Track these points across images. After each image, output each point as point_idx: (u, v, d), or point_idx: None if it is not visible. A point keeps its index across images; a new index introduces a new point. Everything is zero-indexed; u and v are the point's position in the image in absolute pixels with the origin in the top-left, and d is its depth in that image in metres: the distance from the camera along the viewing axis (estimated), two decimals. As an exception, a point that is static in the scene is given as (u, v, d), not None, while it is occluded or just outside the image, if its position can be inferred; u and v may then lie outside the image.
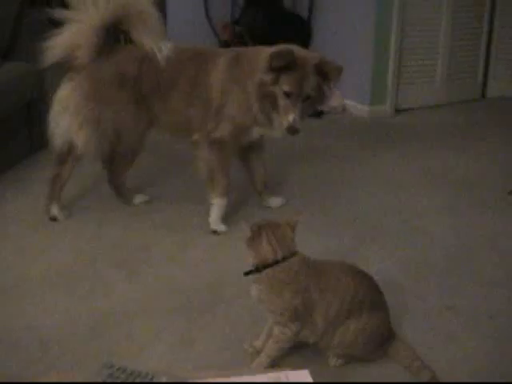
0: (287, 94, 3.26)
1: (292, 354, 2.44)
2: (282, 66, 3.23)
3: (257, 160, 3.77)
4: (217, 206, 3.56)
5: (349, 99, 5.81)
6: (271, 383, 1.43)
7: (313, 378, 1.56)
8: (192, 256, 3.27)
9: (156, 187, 4.08)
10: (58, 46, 3.37)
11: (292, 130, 3.30)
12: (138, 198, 3.87)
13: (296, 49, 3.34)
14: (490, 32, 6.16)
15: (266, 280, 2.32)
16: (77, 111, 3.44)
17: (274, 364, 2.35)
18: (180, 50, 3.54)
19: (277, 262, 2.30)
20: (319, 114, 5.48)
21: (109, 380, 1.37)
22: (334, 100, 5.59)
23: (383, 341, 2.45)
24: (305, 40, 5.94)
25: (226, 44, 6.08)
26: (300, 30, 5.98)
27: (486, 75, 6.31)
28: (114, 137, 3.52)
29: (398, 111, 5.89)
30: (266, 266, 2.31)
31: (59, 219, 3.63)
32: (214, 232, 3.52)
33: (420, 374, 2.34)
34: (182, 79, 3.50)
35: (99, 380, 1.38)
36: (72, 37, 3.39)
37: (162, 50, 3.45)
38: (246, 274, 2.35)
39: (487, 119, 5.70)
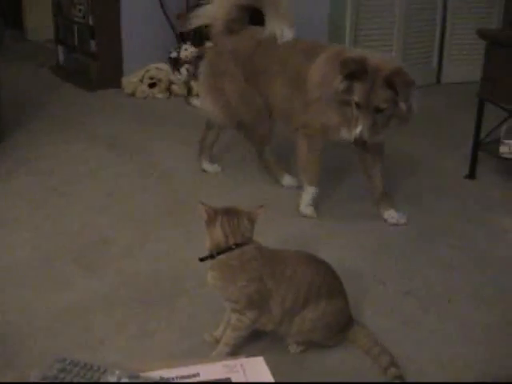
0: (357, 105, 3.19)
1: (252, 342, 2.44)
2: (353, 75, 3.16)
3: (373, 167, 3.61)
4: (306, 192, 3.63)
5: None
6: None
7: (272, 365, 1.56)
8: (152, 249, 3.24)
9: (116, 180, 4.05)
10: (200, 15, 3.85)
11: (358, 143, 3.23)
12: (287, 180, 4.01)
13: (373, 57, 3.24)
14: (444, 18, 6.21)
15: (219, 266, 2.32)
16: (203, 80, 3.97)
17: (234, 353, 2.34)
18: (297, 41, 3.69)
19: (229, 249, 2.30)
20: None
21: (61, 374, 1.36)
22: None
23: (343, 327, 2.46)
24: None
25: (181, 35, 6.04)
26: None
27: (440, 60, 6.36)
28: (232, 106, 3.83)
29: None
30: (219, 252, 2.31)
31: (209, 171, 4.18)
32: (304, 216, 3.60)
33: (379, 358, 2.36)
34: (289, 67, 3.61)
35: (50, 374, 1.37)
36: (212, 10, 3.80)
37: (284, 36, 3.67)
38: (202, 259, 2.35)
39: (442, 104, 5.74)
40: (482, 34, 4.06)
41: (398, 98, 3.15)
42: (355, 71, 3.15)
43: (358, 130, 3.18)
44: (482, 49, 4.08)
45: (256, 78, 3.74)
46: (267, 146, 3.97)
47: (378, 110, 3.17)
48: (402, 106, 3.17)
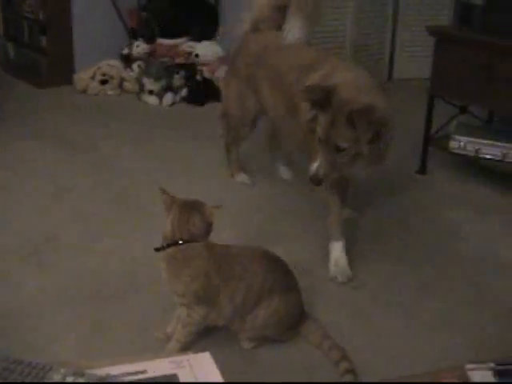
0: (318, 138, 2.80)
1: (204, 337, 2.44)
2: (318, 104, 2.77)
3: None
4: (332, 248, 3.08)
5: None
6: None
7: (222, 360, 1.55)
8: (102, 246, 3.22)
9: (66, 178, 4.01)
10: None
11: (314, 181, 2.80)
12: (241, 177, 4.01)
13: (348, 88, 2.77)
14: (396, 14, 6.26)
15: (167, 259, 2.32)
16: (226, 70, 4.15)
17: (186, 349, 2.34)
18: (300, 51, 3.42)
19: (176, 243, 2.29)
20: (202, 103, 5.47)
21: (5, 373, 1.34)
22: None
23: (295, 322, 2.47)
24: (212, 26, 5.92)
25: (133, 31, 6.01)
26: (207, 16, 5.95)
27: (392, 57, 6.41)
28: (228, 99, 3.88)
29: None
30: (168, 244, 2.30)
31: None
32: (333, 279, 2.99)
33: (330, 352, 2.37)
34: (282, 79, 3.34)
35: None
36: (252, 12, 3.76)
37: (289, 37, 3.51)
38: (156, 249, 2.34)
39: (394, 100, 5.76)
40: (432, 30, 4.10)
41: (360, 140, 2.71)
42: (320, 101, 2.76)
43: (314, 166, 2.78)
44: (432, 45, 4.11)
45: (254, 82, 3.58)
46: (238, 145, 3.98)
47: (338, 149, 2.76)
48: (364, 148, 2.73)
